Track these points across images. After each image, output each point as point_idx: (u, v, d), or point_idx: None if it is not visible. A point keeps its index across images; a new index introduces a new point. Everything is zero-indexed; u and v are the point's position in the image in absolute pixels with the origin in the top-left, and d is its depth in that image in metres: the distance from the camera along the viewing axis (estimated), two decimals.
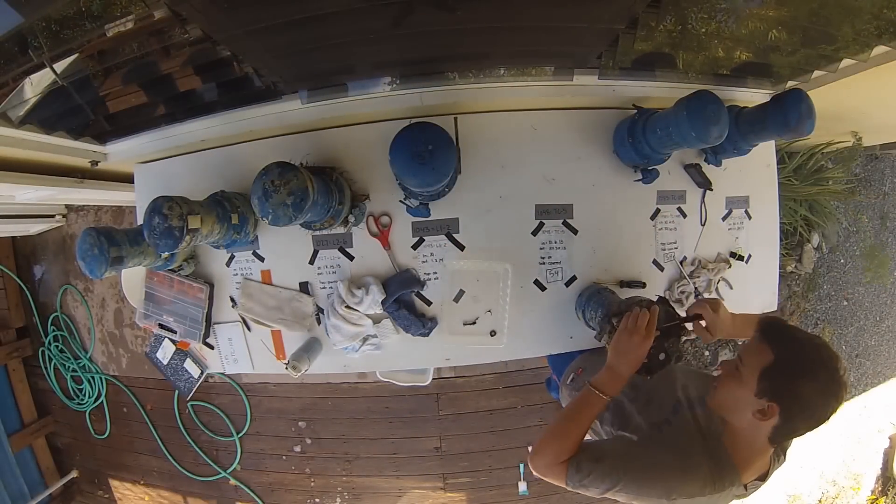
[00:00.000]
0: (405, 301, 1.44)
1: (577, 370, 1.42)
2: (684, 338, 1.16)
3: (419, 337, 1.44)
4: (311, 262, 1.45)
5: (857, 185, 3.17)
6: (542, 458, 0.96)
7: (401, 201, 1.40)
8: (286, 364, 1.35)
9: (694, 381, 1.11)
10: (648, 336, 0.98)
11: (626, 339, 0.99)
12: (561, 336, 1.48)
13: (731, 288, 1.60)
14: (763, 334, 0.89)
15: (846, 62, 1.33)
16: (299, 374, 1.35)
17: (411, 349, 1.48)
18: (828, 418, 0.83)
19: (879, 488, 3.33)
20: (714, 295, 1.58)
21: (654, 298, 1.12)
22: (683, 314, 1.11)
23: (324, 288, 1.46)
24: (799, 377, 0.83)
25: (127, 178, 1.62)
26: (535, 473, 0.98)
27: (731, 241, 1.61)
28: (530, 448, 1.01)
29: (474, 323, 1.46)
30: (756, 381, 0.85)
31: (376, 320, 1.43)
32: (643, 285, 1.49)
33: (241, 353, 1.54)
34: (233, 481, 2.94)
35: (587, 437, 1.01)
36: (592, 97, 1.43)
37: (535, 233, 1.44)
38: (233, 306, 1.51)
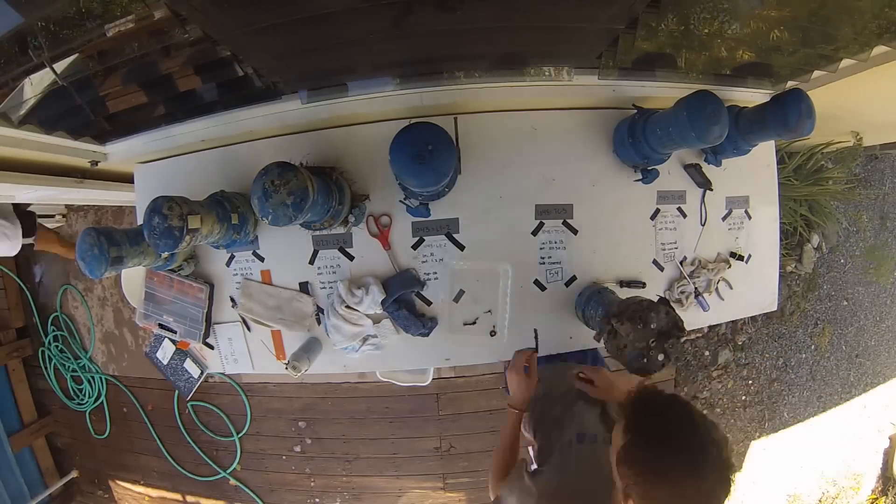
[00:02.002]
0: (405, 301, 1.44)
1: None
2: (683, 338, 1.17)
3: (419, 337, 1.44)
4: (311, 262, 1.45)
5: (857, 185, 3.17)
6: (493, 482, 1.14)
7: (401, 201, 1.40)
8: (286, 364, 1.35)
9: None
10: (529, 375, 1.17)
11: (510, 376, 1.18)
12: (561, 336, 1.48)
13: (732, 288, 1.60)
14: (624, 408, 0.80)
15: (846, 62, 1.33)
16: (299, 375, 1.35)
17: (411, 349, 1.48)
18: None
19: (879, 488, 3.33)
20: (714, 296, 1.58)
21: (655, 299, 1.12)
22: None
23: (324, 288, 1.46)
24: (652, 467, 0.70)
25: (127, 178, 1.62)
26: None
27: (731, 241, 1.61)
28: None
29: (474, 323, 1.46)
30: (616, 463, 0.75)
31: (376, 320, 1.43)
32: (643, 285, 1.49)
33: (241, 353, 1.54)
34: (233, 481, 2.94)
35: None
36: (592, 97, 1.43)
37: (535, 233, 1.44)
38: (233, 306, 1.51)
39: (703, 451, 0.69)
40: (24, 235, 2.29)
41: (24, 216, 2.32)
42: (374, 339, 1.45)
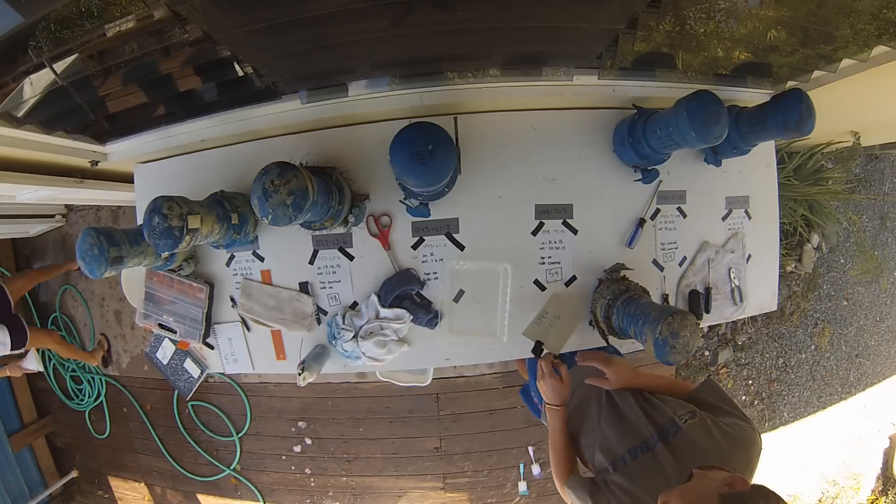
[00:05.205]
0: (406, 297, 1.43)
1: None
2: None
3: (427, 327, 1.44)
4: (311, 262, 1.45)
5: (857, 185, 3.17)
6: (555, 481, 1.17)
7: (401, 201, 1.40)
8: (300, 373, 1.34)
9: (659, 409, 1.07)
10: (562, 376, 1.17)
11: (542, 384, 1.19)
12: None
13: (732, 288, 1.60)
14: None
15: (846, 62, 1.33)
16: (305, 382, 1.35)
17: (411, 349, 1.48)
18: None
19: (879, 488, 3.33)
20: (728, 295, 1.58)
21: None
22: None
23: (324, 288, 1.46)
24: None
25: (127, 178, 1.62)
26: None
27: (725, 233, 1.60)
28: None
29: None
30: None
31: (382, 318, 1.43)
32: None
33: (241, 353, 1.54)
34: (236, 478, 2.94)
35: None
36: (592, 97, 1.43)
37: (535, 233, 1.44)
38: (233, 306, 1.51)
39: None
40: (14, 347, 2.37)
41: (13, 322, 2.38)
42: (381, 336, 1.43)
